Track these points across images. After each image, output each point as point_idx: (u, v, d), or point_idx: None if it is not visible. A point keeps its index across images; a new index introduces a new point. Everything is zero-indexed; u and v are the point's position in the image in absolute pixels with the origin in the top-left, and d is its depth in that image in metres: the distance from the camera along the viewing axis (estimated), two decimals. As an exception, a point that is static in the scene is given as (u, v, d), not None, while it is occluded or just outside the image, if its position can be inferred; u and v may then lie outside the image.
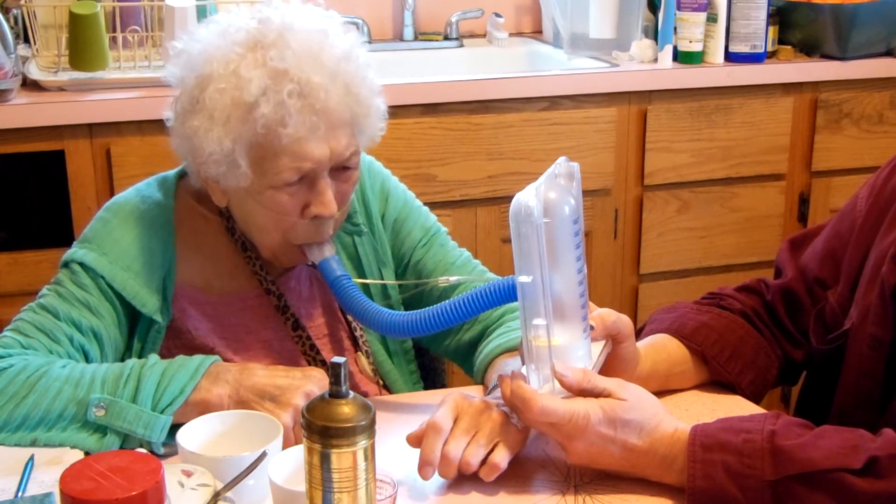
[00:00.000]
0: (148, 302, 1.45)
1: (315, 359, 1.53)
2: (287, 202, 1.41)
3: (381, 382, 1.60)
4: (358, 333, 1.59)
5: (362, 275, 1.58)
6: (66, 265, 1.46)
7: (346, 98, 1.38)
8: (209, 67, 1.36)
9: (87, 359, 1.41)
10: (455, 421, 1.24)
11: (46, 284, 1.47)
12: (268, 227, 1.45)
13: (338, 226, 1.49)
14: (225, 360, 1.44)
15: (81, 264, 1.44)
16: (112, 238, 1.46)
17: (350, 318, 1.58)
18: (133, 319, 1.47)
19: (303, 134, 1.35)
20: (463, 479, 1.23)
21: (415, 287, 1.59)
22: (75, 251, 1.46)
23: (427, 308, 1.36)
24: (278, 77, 1.34)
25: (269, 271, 1.53)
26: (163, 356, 1.39)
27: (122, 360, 1.45)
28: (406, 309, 1.60)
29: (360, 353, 1.59)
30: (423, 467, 1.21)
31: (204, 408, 1.30)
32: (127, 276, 1.44)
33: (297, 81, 1.34)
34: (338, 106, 1.37)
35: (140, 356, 1.45)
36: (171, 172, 1.56)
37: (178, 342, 1.49)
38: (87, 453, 1.28)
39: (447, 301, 1.34)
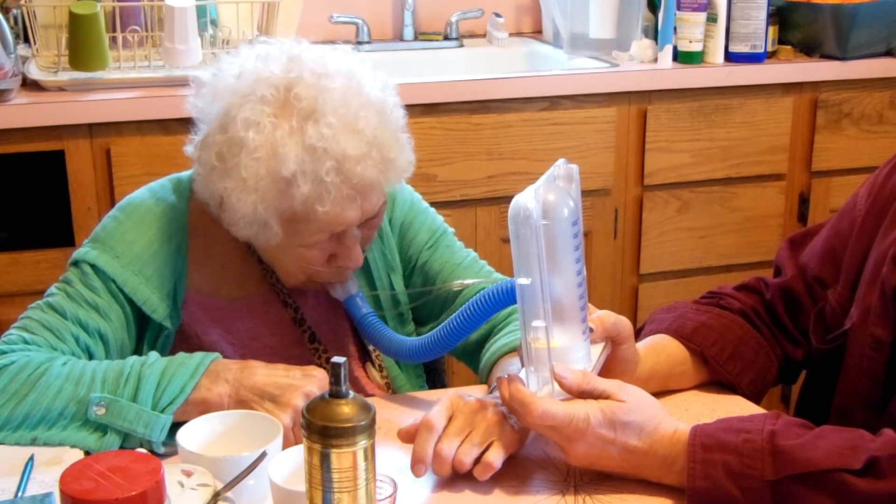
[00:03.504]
0: (158, 307, 1.45)
1: None
2: (315, 255, 1.42)
3: (391, 393, 1.60)
4: (371, 347, 1.60)
5: (371, 280, 1.58)
6: (75, 264, 1.45)
7: (382, 165, 1.38)
8: (243, 133, 1.33)
9: (92, 360, 1.40)
10: (450, 420, 1.24)
11: (55, 283, 1.46)
12: (293, 270, 1.46)
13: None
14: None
15: (93, 266, 1.43)
16: (125, 240, 1.45)
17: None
18: (142, 323, 1.47)
19: (339, 209, 1.36)
20: (462, 479, 1.23)
21: (419, 296, 1.59)
22: (87, 251, 1.45)
23: (438, 328, 1.39)
24: (316, 154, 1.33)
25: (284, 283, 1.54)
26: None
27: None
28: (414, 314, 1.62)
29: (369, 363, 1.60)
30: (416, 465, 1.22)
31: (204, 407, 1.30)
32: (138, 281, 1.44)
33: (334, 157, 1.33)
34: (374, 175, 1.37)
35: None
36: (185, 174, 1.54)
37: (185, 346, 1.48)
38: (87, 452, 1.28)
39: (452, 316, 1.37)
